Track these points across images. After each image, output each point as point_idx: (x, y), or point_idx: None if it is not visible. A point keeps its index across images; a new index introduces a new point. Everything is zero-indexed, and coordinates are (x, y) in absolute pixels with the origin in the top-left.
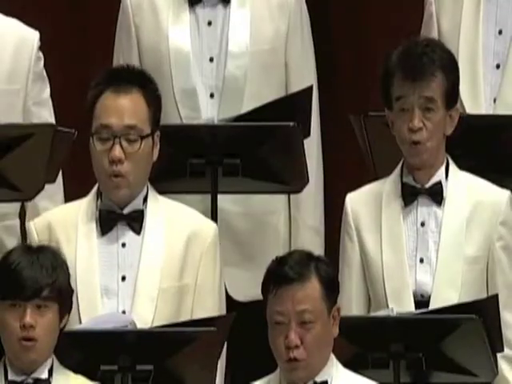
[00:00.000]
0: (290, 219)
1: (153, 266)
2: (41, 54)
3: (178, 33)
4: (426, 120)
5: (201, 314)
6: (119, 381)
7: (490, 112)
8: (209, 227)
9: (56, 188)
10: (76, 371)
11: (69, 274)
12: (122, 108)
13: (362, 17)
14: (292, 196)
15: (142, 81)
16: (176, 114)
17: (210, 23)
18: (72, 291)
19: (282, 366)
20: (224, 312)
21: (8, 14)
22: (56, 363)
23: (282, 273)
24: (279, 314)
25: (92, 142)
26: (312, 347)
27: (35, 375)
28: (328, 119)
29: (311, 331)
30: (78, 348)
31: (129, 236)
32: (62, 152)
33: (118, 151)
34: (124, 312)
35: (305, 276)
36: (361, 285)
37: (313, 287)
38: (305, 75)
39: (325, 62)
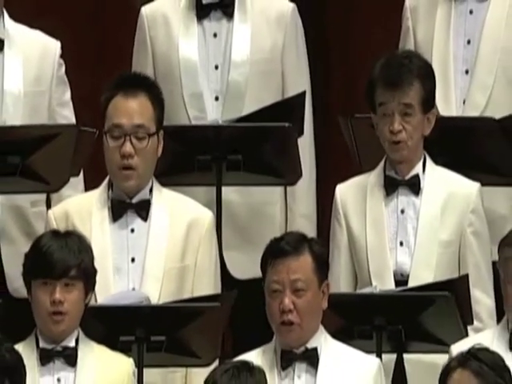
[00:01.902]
0: (286, 208)
1: (159, 249)
2: (62, 61)
3: (187, 44)
4: (405, 123)
5: (200, 291)
6: (136, 350)
7: (460, 112)
8: (206, 215)
9: (78, 179)
10: (98, 342)
11: (93, 257)
12: (132, 109)
13: (352, 33)
14: (288, 188)
15: (147, 85)
16: (185, 114)
17: (215, 35)
18: (96, 271)
19: (277, 329)
20: (219, 289)
21: (34, 28)
22: (81, 334)
23: (279, 247)
24: (275, 283)
25: (105, 139)
26: (304, 312)
27: (64, 344)
28: (320, 120)
29: (303, 298)
30: (100, 321)
31: (137, 222)
32: (85, 149)
33: (128, 147)
34: (133, 289)
35: (299, 250)
36: (348, 264)
37: (305, 260)
38: (299, 81)
39: (318, 71)
